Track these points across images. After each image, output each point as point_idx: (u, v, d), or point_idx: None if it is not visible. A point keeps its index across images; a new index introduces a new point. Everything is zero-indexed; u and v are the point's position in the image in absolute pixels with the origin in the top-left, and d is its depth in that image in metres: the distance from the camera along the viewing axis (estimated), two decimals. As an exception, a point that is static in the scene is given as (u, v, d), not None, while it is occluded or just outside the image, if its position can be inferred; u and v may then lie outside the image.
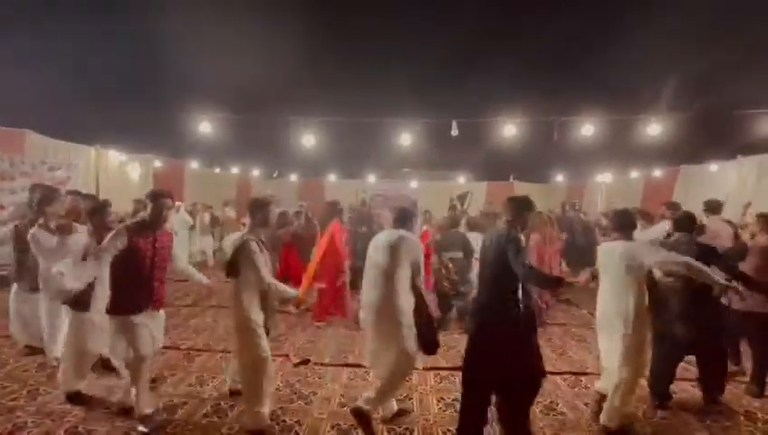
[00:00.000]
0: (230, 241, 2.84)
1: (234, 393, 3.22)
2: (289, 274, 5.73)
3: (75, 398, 3.10)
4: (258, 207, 2.92)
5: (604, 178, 11.83)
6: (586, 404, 3.26)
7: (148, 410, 2.78)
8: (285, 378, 3.65)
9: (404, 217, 3.00)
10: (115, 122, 7.32)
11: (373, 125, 6.98)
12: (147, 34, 5.07)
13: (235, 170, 13.26)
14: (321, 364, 3.97)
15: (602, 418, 2.83)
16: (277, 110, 6.87)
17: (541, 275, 2.85)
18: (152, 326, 2.83)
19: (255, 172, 14.03)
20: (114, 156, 8.86)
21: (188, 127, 6.92)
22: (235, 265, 2.74)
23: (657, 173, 10.08)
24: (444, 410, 3.17)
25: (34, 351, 3.91)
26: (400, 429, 2.88)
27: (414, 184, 14.04)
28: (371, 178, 13.91)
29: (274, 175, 14.61)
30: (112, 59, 6.04)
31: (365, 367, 3.90)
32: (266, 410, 2.79)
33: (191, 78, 6.46)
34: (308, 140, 6.89)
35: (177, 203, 9.53)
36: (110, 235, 2.73)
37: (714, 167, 8.63)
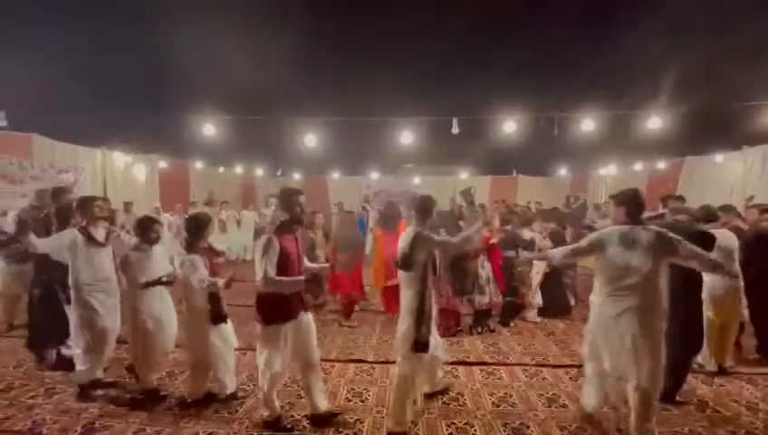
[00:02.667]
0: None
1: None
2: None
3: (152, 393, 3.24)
4: (425, 206, 2.97)
5: (608, 170, 11.77)
6: (588, 396, 3.31)
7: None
8: (292, 374, 3.73)
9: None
10: (120, 124, 7.41)
11: (375, 124, 7.01)
12: (151, 37, 5.12)
13: (239, 170, 13.35)
14: (328, 360, 4.03)
15: None
16: (280, 110, 6.93)
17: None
18: (302, 331, 2.74)
19: (259, 171, 14.12)
20: (120, 158, 8.97)
21: (193, 127, 6.99)
22: (411, 258, 2.70)
23: (662, 165, 10.02)
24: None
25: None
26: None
27: (417, 180, 14.05)
28: (374, 175, 13.95)
29: (278, 173, 14.69)
30: (117, 61, 6.10)
31: (370, 362, 3.98)
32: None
33: (195, 79, 6.51)
34: (310, 140, 6.95)
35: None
36: (263, 246, 2.56)
37: (719, 158, 8.56)
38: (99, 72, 6.19)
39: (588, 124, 6.57)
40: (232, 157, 12.22)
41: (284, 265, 2.58)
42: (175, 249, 5.06)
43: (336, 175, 14.19)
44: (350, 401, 3.25)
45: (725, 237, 3.45)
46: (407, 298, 2.77)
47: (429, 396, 3.26)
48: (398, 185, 14.08)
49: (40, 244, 3.13)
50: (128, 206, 7.71)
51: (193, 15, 4.93)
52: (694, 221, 3.35)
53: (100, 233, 3.36)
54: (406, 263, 2.72)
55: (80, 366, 3.25)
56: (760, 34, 5.59)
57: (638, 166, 10.80)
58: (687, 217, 3.36)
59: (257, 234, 9.05)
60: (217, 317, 3.04)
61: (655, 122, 6.46)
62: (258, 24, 5.02)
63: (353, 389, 3.43)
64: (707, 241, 2.81)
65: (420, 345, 2.68)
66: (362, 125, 7.00)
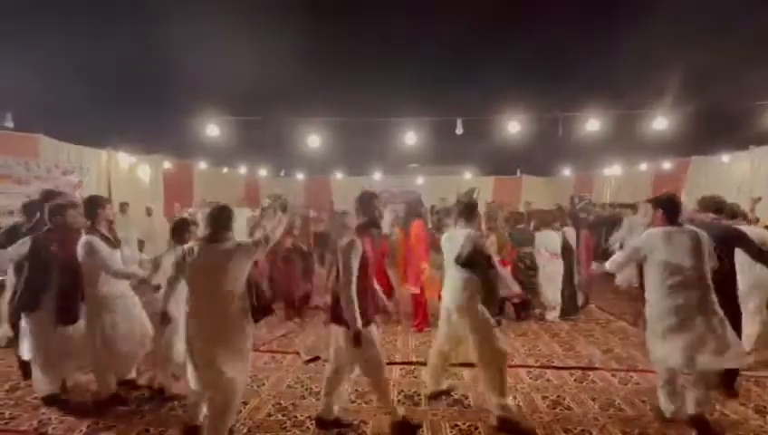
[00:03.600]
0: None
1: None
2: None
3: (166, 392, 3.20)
4: (471, 209, 3.18)
5: (612, 170, 11.70)
6: (593, 399, 3.29)
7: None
8: (296, 374, 3.73)
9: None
10: (125, 125, 7.44)
11: (378, 124, 7.00)
12: (155, 38, 5.14)
13: (242, 170, 13.38)
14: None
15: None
16: (283, 111, 6.92)
17: None
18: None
19: (263, 172, 14.15)
20: (124, 158, 9.02)
21: (197, 128, 7.01)
22: (474, 258, 2.86)
23: (667, 165, 9.94)
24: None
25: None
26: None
27: (420, 180, 14.03)
28: (377, 175, 13.94)
29: (281, 174, 14.71)
30: (121, 62, 6.12)
31: None
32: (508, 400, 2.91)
33: (199, 80, 6.53)
34: (314, 140, 6.95)
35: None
36: (347, 248, 2.55)
37: (725, 158, 8.48)
38: (104, 72, 6.22)
39: (592, 124, 6.53)
40: (235, 157, 12.25)
41: (363, 268, 2.60)
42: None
43: (339, 175, 14.20)
44: (353, 401, 3.24)
45: (755, 233, 3.50)
46: (461, 295, 2.92)
47: (434, 397, 3.25)
48: (401, 185, 14.07)
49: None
50: (123, 206, 7.72)
51: (197, 16, 4.95)
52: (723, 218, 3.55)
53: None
54: (465, 261, 2.90)
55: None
56: (766, 33, 5.54)
57: (643, 166, 10.73)
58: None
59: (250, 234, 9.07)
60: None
61: (660, 122, 6.41)
62: (261, 25, 5.03)
63: (357, 389, 3.42)
64: (738, 237, 3.11)
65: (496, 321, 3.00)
66: (365, 125, 6.99)
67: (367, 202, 2.79)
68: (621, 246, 4.66)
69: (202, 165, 11.64)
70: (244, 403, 3.17)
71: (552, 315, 5.41)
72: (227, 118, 6.76)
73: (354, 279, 2.51)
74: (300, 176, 14.49)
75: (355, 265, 2.52)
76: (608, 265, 3.13)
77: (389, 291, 5.38)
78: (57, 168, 7.60)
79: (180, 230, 3.26)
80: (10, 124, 6.56)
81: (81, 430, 2.83)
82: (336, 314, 2.63)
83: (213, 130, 6.68)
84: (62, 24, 4.91)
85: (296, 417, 3.01)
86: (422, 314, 5.01)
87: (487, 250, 3.06)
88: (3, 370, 3.77)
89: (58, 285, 3.04)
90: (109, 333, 3.05)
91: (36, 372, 3.16)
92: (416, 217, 5.06)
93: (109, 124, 7.58)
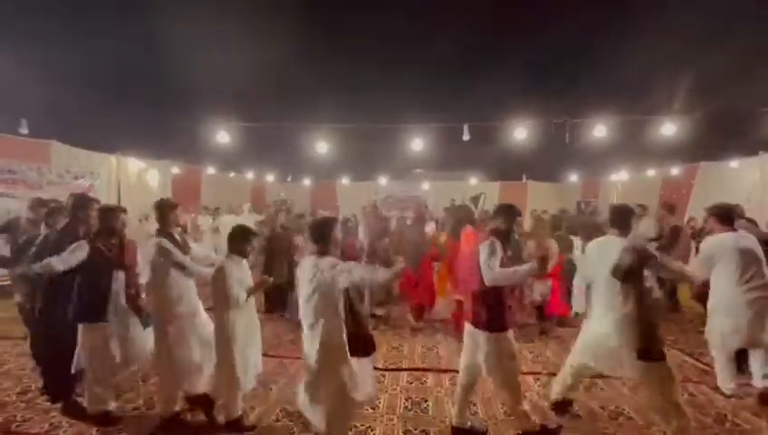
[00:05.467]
0: None
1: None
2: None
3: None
4: (626, 215, 2.92)
5: (619, 176, 11.63)
6: (602, 407, 3.26)
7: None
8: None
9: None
10: (135, 130, 7.57)
11: (385, 130, 7.05)
12: (165, 46, 5.24)
13: (249, 175, 13.50)
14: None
15: None
16: (290, 117, 7.01)
17: None
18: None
19: (270, 177, 14.26)
20: (133, 163, 9.15)
21: (205, 134, 7.12)
22: (629, 270, 2.65)
23: (675, 171, 9.87)
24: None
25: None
26: (417, 431, 2.93)
27: (426, 185, 14.06)
28: (383, 181, 13.99)
29: (288, 179, 14.82)
30: (132, 69, 6.25)
31: (379, 369, 3.97)
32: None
33: (207, 87, 6.64)
34: (321, 147, 7.04)
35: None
36: (491, 248, 2.60)
37: (734, 163, 8.41)
38: (114, 79, 6.34)
39: (599, 130, 6.52)
40: (243, 162, 12.38)
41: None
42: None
43: (345, 180, 14.29)
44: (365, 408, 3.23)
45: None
46: (619, 309, 2.67)
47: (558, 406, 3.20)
48: (407, 190, 14.11)
49: None
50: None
51: (207, 24, 5.04)
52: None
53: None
54: (623, 274, 2.67)
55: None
56: (777, 39, 5.51)
57: (651, 171, 10.66)
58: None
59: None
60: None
61: (668, 128, 6.38)
62: (270, 33, 5.10)
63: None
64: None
65: (659, 353, 2.60)
66: (371, 131, 7.05)
67: (507, 212, 2.84)
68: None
69: (210, 170, 11.76)
70: (252, 408, 3.18)
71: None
72: (236, 124, 6.85)
73: (495, 271, 2.55)
74: (306, 181, 14.58)
75: (496, 261, 2.58)
76: (695, 272, 3.26)
77: (433, 297, 5.40)
78: (68, 172, 7.74)
79: (241, 240, 2.94)
80: (25, 131, 6.71)
81: (90, 434, 2.86)
82: (477, 317, 2.68)
83: (223, 136, 6.80)
84: (75, 32, 5.02)
85: (303, 423, 3.01)
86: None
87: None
88: (15, 372, 3.82)
89: (117, 292, 2.98)
90: (179, 351, 2.92)
91: (93, 388, 2.96)
92: (467, 224, 4.99)
93: (118, 129, 7.71)
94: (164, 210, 3.11)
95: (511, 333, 2.71)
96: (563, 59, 5.84)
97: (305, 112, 6.96)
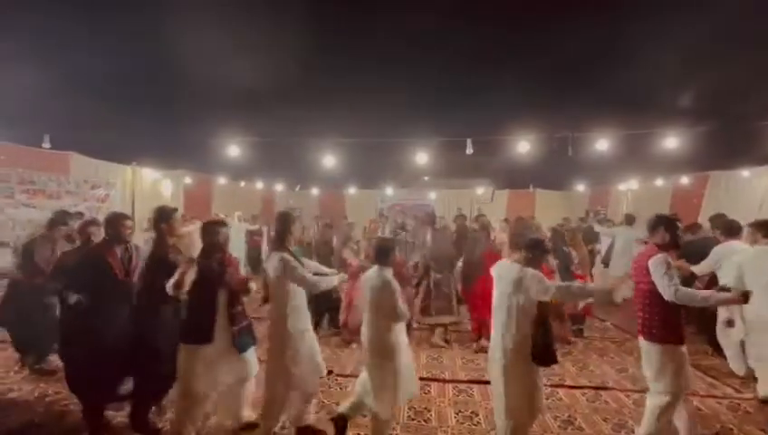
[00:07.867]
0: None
1: None
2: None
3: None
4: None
5: (628, 185, 11.55)
6: (605, 420, 3.26)
7: None
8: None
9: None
10: (150, 141, 7.83)
11: (391, 144, 7.23)
12: (179, 58, 5.45)
13: (259, 185, 13.74)
14: (344, 375, 4.10)
15: None
16: (299, 131, 7.23)
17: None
18: None
19: (279, 186, 14.50)
20: (148, 174, 9.43)
21: (217, 146, 7.36)
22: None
23: (685, 180, 9.78)
24: (461, 423, 3.24)
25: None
26: None
27: (432, 194, 14.13)
28: (390, 190, 14.12)
29: (297, 188, 15.04)
30: (147, 81, 6.50)
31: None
32: None
33: (220, 101, 6.88)
34: (329, 160, 7.33)
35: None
36: (663, 264, 2.53)
37: (746, 173, 8.31)
38: (132, 93, 6.60)
39: (602, 144, 6.62)
40: (253, 172, 12.60)
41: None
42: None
43: (352, 189, 14.44)
44: (365, 416, 3.28)
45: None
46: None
47: None
48: (414, 198, 14.22)
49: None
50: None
51: (219, 39, 5.24)
52: None
53: None
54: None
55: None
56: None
57: (661, 181, 10.57)
58: None
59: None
60: None
61: (673, 141, 6.42)
62: (280, 46, 5.28)
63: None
64: None
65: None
66: (378, 143, 7.20)
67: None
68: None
69: (221, 180, 12.03)
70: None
71: None
72: (246, 139, 7.14)
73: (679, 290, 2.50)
74: (315, 190, 14.78)
75: (674, 278, 2.55)
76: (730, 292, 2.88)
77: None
78: (86, 183, 8.02)
79: (391, 251, 2.93)
80: (47, 145, 7.02)
81: (105, 437, 2.96)
82: (648, 329, 2.63)
83: (234, 150, 7.17)
84: (91, 54, 5.24)
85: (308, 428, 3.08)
86: None
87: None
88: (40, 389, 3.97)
89: (228, 311, 2.83)
90: (293, 370, 2.85)
91: (181, 416, 2.78)
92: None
93: (135, 141, 7.97)
94: (287, 224, 3.03)
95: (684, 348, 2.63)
96: (569, 70, 5.88)
97: (314, 126, 7.17)
